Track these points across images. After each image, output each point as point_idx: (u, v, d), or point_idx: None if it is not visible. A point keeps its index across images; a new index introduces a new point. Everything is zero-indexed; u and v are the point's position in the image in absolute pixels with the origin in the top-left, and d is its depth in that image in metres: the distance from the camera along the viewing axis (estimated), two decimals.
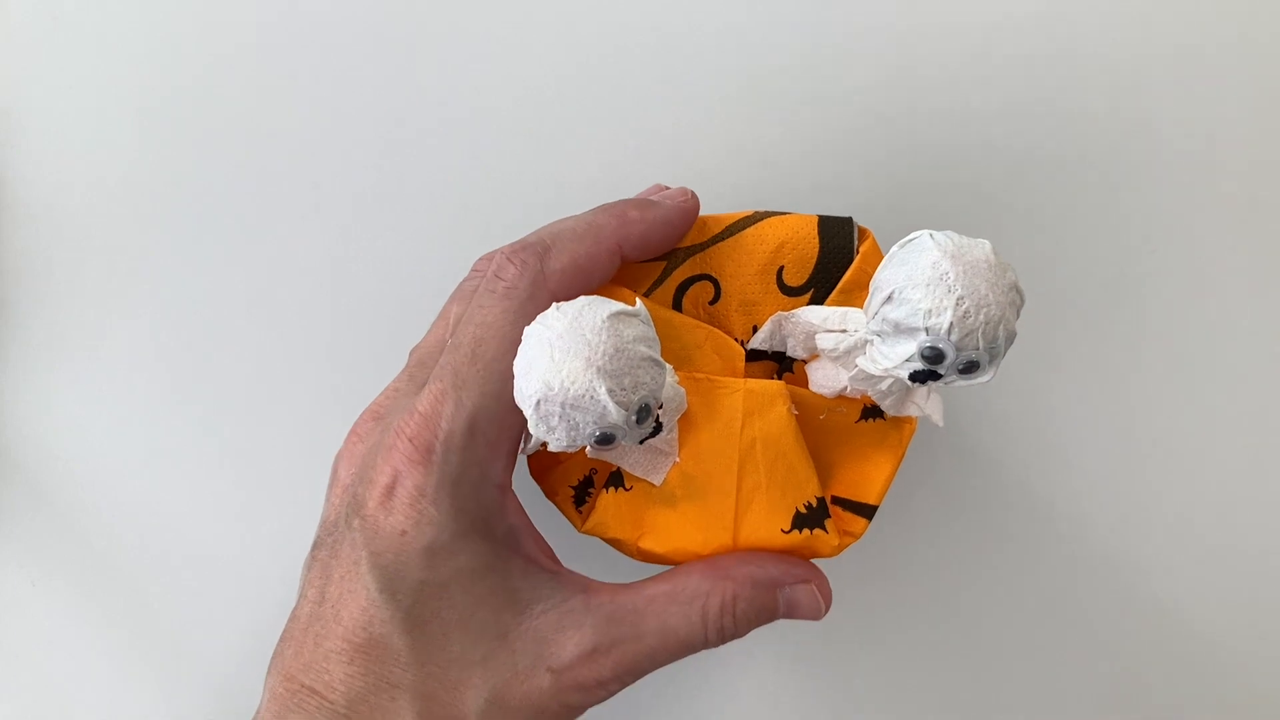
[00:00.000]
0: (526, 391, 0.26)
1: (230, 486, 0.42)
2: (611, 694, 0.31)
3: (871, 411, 0.33)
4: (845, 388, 0.32)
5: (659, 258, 0.34)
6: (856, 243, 0.33)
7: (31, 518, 0.42)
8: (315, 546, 0.32)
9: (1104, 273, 0.42)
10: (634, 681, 0.31)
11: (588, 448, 0.29)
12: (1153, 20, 0.41)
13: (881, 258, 0.33)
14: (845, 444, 0.34)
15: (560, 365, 0.26)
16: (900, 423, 0.33)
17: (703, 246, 0.34)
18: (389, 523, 0.30)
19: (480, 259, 0.34)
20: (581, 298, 0.27)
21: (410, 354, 0.34)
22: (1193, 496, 0.42)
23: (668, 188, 0.34)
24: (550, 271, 0.31)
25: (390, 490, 0.30)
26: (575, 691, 0.31)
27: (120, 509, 0.42)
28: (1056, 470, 0.42)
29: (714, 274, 0.34)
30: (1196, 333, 0.42)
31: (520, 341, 0.28)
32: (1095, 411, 0.42)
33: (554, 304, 0.27)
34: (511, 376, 0.27)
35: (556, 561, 0.33)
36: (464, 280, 0.34)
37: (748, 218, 0.34)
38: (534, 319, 0.28)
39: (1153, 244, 0.41)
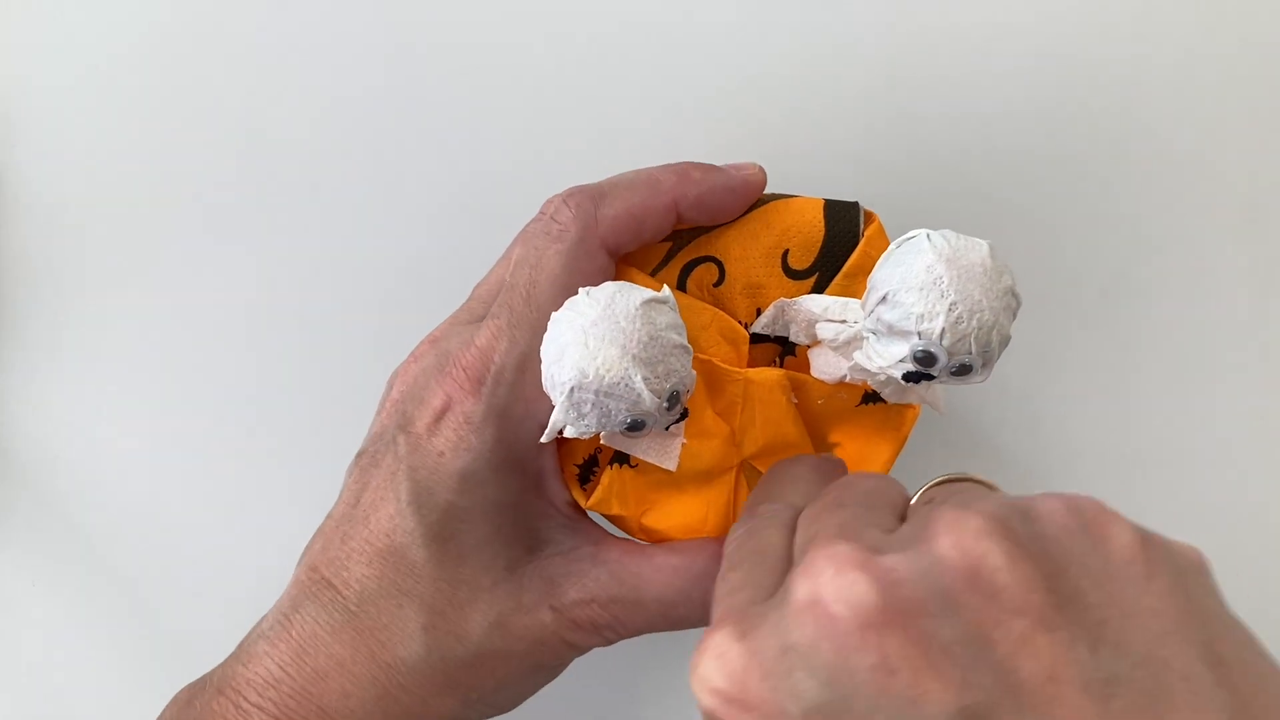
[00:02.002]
0: (559, 379, 0.26)
1: (231, 486, 0.42)
2: (610, 642, 0.33)
3: (873, 396, 0.33)
4: (846, 375, 0.32)
5: (664, 239, 0.34)
6: (862, 226, 0.33)
7: (31, 518, 0.42)
8: (359, 454, 0.33)
9: (1105, 273, 0.41)
10: (633, 636, 0.33)
11: (603, 433, 0.29)
12: (1154, 20, 0.41)
13: (887, 242, 0.33)
14: (847, 427, 0.34)
15: (596, 353, 0.26)
16: (903, 407, 0.33)
17: (708, 228, 0.34)
18: (432, 443, 0.31)
19: (547, 201, 0.35)
20: (610, 284, 0.28)
21: (473, 290, 0.35)
22: (1193, 496, 0.42)
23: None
24: (603, 217, 0.32)
25: (441, 414, 0.31)
26: (575, 629, 0.32)
27: (120, 509, 0.42)
28: (1057, 469, 0.42)
29: (719, 256, 0.34)
30: (1197, 333, 0.42)
31: (570, 286, 0.30)
32: (1095, 411, 0.42)
33: (582, 290, 0.28)
34: None
35: (578, 510, 0.34)
36: (529, 222, 0.34)
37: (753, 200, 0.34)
38: (584, 263, 0.30)
39: (1153, 245, 0.41)
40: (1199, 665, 0.20)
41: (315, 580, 0.32)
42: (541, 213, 0.34)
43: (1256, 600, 0.41)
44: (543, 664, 0.33)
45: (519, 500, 0.32)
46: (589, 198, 0.32)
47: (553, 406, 0.29)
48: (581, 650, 0.33)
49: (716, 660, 0.22)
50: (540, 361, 0.29)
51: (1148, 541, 0.22)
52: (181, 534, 0.42)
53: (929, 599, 0.20)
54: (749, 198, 0.34)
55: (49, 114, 0.42)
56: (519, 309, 0.31)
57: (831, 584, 0.21)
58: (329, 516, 0.33)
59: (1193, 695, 0.19)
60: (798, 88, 0.41)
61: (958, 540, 0.21)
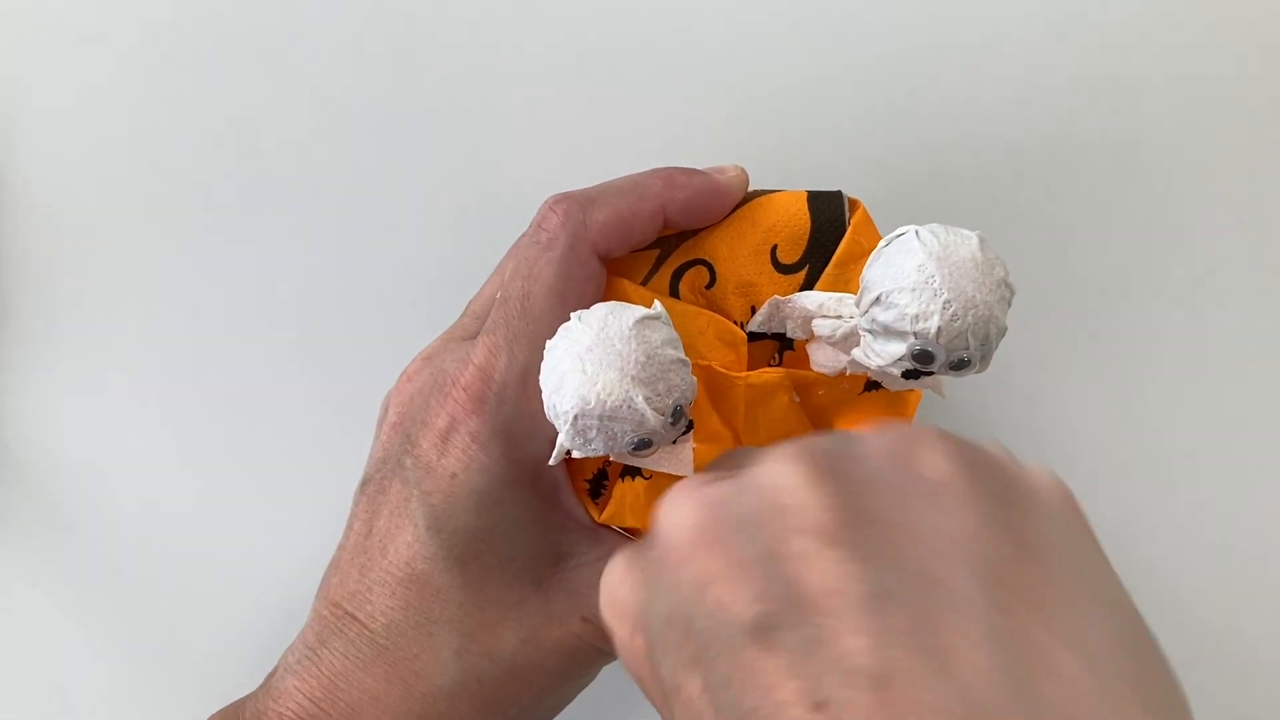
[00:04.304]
0: (561, 408, 0.26)
1: (231, 486, 0.42)
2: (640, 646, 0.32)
3: (876, 383, 0.33)
4: (846, 369, 0.32)
5: (651, 245, 0.34)
6: (848, 214, 0.33)
7: (32, 518, 0.42)
8: (364, 482, 0.33)
9: (1105, 273, 0.41)
10: None
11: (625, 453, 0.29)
12: (1154, 18, 0.41)
13: (874, 228, 0.33)
14: (852, 415, 0.33)
15: (594, 378, 0.26)
16: (905, 393, 0.33)
17: (694, 232, 0.34)
18: (441, 464, 0.31)
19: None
20: (601, 306, 0.28)
21: (467, 306, 0.35)
22: (1193, 496, 0.42)
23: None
24: (592, 223, 0.32)
25: (446, 434, 0.31)
26: (605, 638, 0.31)
27: (120, 509, 0.42)
28: (1057, 469, 0.41)
29: (708, 258, 0.34)
30: (1197, 333, 0.42)
31: (565, 293, 0.30)
32: (1096, 410, 0.42)
33: (574, 314, 0.27)
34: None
35: (594, 521, 0.34)
36: (522, 235, 0.34)
37: None
38: (576, 269, 0.30)
39: (1153, 245, 0.41)
40: (973, 586, 0.20)
41: (338, 615, 0.31)
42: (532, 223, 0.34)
43: (1257, 599, 0.42)
44: (576, 673, 0.32)
45: (537, 514, 0.32)
46: (577, 204, 0.32)
47: None
48: (613, 657, 0.32)
49: (607, 576, 0.26)
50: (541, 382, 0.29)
51: (972, 466, 0.23)
52: (181, 534, 0.42)
53: (737, 519, 0.23)
54: (733, 200, 0.33)
55: (50, 115, 0.42)
56: (515, 322, 0.31)
57: (665, 512, 0.24)
58: (340, 548, 0.33)
59: (958, 614, 0.20)
60: (795, 85, 0.41)
61: (769, 465, 0.23)
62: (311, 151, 0.42)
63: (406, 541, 0.31)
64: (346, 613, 0.31)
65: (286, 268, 0.42)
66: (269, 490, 0.42)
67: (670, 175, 0.33)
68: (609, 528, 0.34)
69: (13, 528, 0.42)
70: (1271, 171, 0.41)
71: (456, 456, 0.31)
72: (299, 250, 0.42)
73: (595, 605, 0.31)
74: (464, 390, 0.31)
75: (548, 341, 0.28)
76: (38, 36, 0.42)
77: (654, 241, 0.33)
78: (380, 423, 0.34)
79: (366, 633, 0.31)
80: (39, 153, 0.42)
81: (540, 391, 0.29)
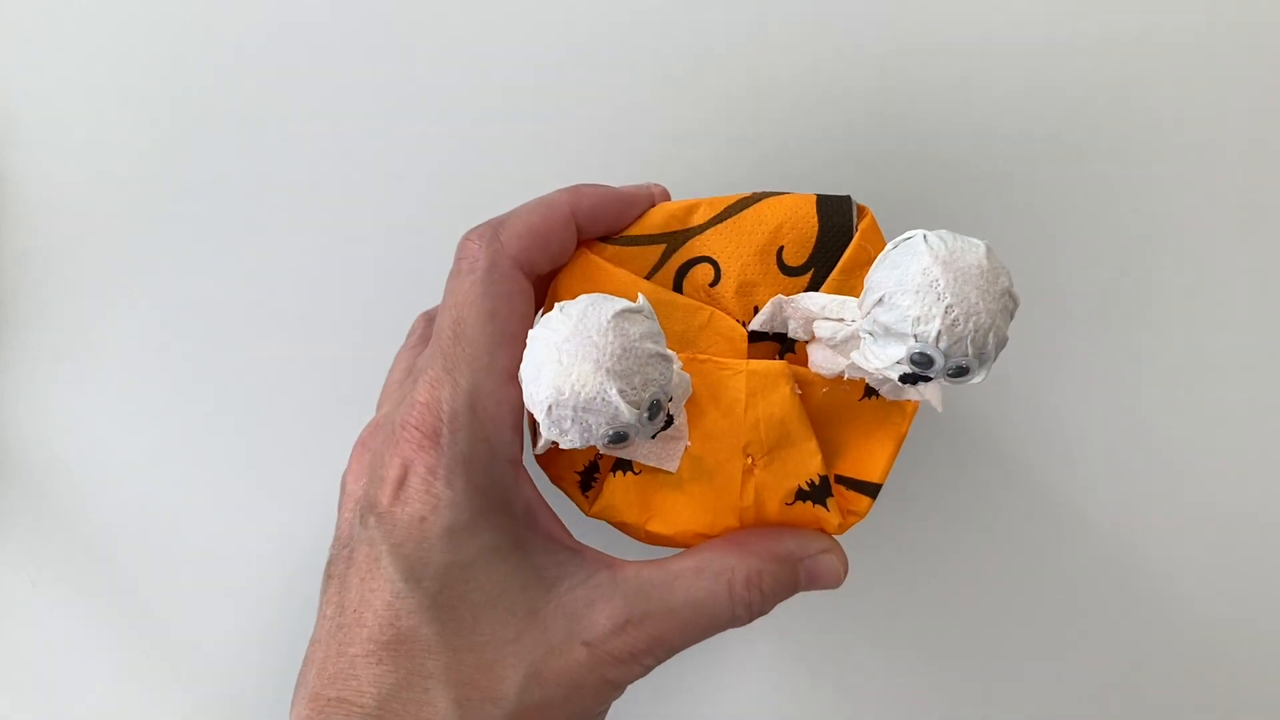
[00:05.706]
0: (537, 397, 0.26)
1: (231, 485, 0.42)
2: (647, 669, 0.31)
3: (874, 391, 0.33)
4: (844, 372, 0.32)
5: (658, 239, 0.34)
6: (855, 221, 0.33)
7: (31, 518, 0.42)
8: (328, 564, 0.31)
9: (1105, 273, 0.41)
10: (667, 658, 0.31)
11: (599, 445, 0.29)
12: (1154, 20, 0.41)
13: (881, 235, 0.33)
14: (850, 422, 0.33)
15: (569, 369, 0.26)
16: (902, 403, 0.33)
17: (701, 229, 0.34)
18: (405, 512, 0.29)
19: None
20: (584, 297, 0.27)
21: (387, 377, 0.35)
22: (1193, 496, 0.42)
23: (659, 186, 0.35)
24: (507, 240, 0.32)
25: (402, 481, 0.30)
26: (612, 664, 0.30)
27: (120, 509, 0.42)
28: (1058, 469, 0.42)
29: (713, 256, 0.34)
30: (1197, 333, 0.42)
31: (495, 311, 0.30)
32: (1096, 410, 0.42)
33: (557, 305, 0.27)
34: (497, 347, 0.29)
35: (574, 538, 0.33)
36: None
37: (745, 199, 0.34)
38: (500, 285, 0.30)
39: (1153, 245, 0.41)
40: None
41: (321, 707, 0.29)
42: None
43: (1256, 600, 0.42)
44: (584, 711, 0.31)
45: (516, 541, 0.31)
46: (489, 228, 0.32)
47: (512, 435, 0.29)
48: (620, 688, 0.31)
49: None
50: (490, 396, 0.29)
51: None
52: (181, 533, 0.42)
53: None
54: (640, 205, 0.34)
55: (49, 114, 0.42)
56: (450, 350, 0.30)
57: None
58: (312, 643, 0.31)
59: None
60: (797, 86, 0.41)
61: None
62: (311, 152, 0.42)
63: (385, 602, 0.29)
64: (331, 699, 0.29)
65: (286, 267, 0.42)
66: (268, 489, 0.42)
67: (577, 187, 0.33)
68: (590, 547, 0.34)
69: (13, 528, 0.42)
70: (1271, 171, 0.41)
71: (420, 499, 0.29)
72: (298, 248, 0.42)
73: (597, 627, 0.30)
74: (415, 429, 0.30)
75: (530, 331, 0.27)
76: (38, 36, 0.42)
77: (661, 236, 0.34)
78: (341, 502, 0.32)
79: (356, 710, 0.29)
80: (39, 153, 0.42)
81: (490, 414, 0.29)
